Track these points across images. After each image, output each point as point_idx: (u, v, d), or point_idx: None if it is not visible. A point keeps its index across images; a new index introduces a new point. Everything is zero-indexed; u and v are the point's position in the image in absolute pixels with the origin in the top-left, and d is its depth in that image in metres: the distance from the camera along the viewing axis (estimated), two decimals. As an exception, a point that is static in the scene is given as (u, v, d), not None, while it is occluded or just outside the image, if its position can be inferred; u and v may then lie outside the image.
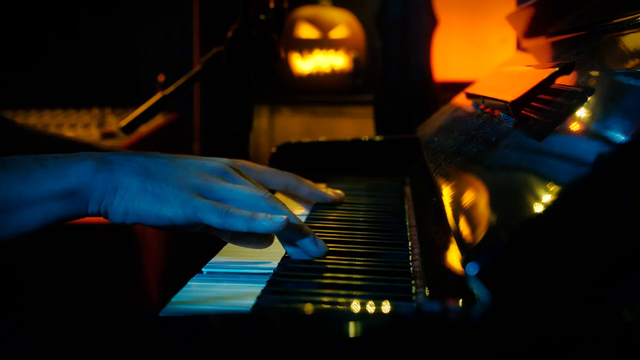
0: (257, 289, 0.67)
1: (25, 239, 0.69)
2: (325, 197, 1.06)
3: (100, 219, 0.73)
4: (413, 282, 0.69)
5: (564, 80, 0.74)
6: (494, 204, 0.63)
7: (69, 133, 2.38)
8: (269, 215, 0.72)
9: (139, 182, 0.70)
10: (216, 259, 0.79)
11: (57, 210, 0.69)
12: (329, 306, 0.63)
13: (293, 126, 3.04)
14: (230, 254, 0.81)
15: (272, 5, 1.45)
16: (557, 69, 0.76)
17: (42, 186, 0.68)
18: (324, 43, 3.02)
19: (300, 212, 1.04)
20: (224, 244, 0.84)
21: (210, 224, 0.71)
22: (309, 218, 0.98)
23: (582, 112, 0.62)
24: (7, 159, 0.69)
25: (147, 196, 0.70)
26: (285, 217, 0.72)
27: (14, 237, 0.68)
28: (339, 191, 1.08)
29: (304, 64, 3.03)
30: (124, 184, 0.70)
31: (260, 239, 0.78)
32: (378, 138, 1.49)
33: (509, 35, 2.44)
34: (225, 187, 0.74)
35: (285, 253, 0.79)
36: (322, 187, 1.08)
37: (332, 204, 1.06)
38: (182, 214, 0.70)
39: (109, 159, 0.71)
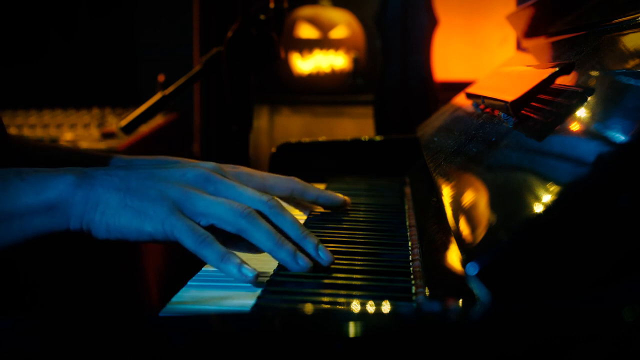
0: (257, 289, 0.67)
1: (2, 253, 0.67)
2: (335, 200, 1.00)
3: None
4: (413, 282, 0.69)
5: (564, 80, 0.74)
6: (494, 204, 0.63)
7: (68, 133, 2.37)
8: (241, 264, 0.68)
9: (119, 197, 0.69)
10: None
11: (35, 225, 0.68)
12: (329, 306, 0.63)
13: (293, 126, 3.03)
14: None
15: (272, 5, 1.45)
16: (557, 69, 0.76)
17: (20, 200, 0.67)
18: (324, 43, 3.02)
19: (300, 213, 1.03)
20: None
21: (184, 246, 0.69)
22: (309, 218, 0.98)
23: (582, 112, 0.62)
24: None
25: (128, 211, 0.69)
26: (255, 274, 0.68)
27: None
28: (347, 198, 1.04)
29: (304, 64, 3.03)
30: (104, 199, 0.69)
31: (252, 247, 0.75)
32: (378, 138, 1.49)
33: (509, 35, 2.44)
34: (205, 199, 0.71)
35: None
36: (330, 191, 1.05)
37: (341, 207, 1.02)
38: (162, 230, 0.69)
39: (90, 174, 0.70)
